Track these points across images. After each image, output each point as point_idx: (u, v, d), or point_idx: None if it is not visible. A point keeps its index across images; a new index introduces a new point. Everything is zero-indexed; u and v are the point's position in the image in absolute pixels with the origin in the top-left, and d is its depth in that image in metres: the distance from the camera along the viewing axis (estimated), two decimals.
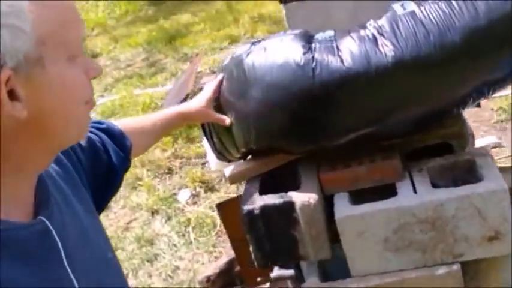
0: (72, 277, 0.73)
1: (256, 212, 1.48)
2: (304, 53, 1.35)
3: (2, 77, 0.62)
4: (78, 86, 0.73)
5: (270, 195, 1.51)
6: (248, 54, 1.48)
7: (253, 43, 1.53)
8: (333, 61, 1.32)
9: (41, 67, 0.66)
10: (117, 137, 1.11)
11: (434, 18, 1.27)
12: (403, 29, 1.28)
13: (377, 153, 1.55)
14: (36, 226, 0.72)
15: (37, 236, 0.71)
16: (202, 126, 1.73)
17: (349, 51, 1.31)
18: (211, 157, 1.82)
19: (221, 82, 1.55)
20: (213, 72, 4.78)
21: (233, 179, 1.63)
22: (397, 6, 1.33)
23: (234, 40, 5.59)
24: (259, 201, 1.50)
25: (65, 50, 0.69)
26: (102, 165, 1.05)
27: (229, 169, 1.66)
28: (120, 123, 1.19)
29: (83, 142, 0.98)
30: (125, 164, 1.12)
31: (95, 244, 0.85)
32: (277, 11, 6.17)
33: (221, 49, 5.46)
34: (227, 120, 1.52)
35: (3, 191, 0.69)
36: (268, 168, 1.61)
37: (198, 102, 1.52)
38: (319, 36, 1.41)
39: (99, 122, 1.12)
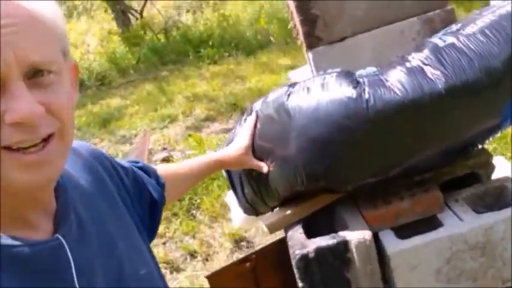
0: None
1: (311, 255, 1.43)
2: (355, 87, 1.38)
3: None
4: None
5: (320, 238, 1.47)
6: (289, 96, 1.48)
7: (290, 86, 1.54)
8: (385, 92, 1.35)
9: None
10: (152, 175, 1.09)
11: (473, 47, 1.36)
12: (447, 58, 1.36)
13: (414, 187, 1.57)
14: (50, 243, 0.71)
15: (48, 253, 0.70)
16: (230, 179, 1.67)
17: (399, 82, 1.36)
18: (237, 213, 1.75)
19: (255, 126, 1.53)
20: (165, 149, 4.71)
21: (273, 228, 1.58)
22: (436, 40, 1.41)
23: (173, 119, 5.58)
24: (312, 244, 1.45)
25: None
26: (146, 199, 1.03)
27: (265, 219, 1.60)
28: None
29: (126, 164, 0.99)
30: (163, 200, 1.08)
31: (125, 259, 0.83)
32: (211, 89, 6.31)
33: (161, 128, 5.41)
34: (265, 167, 1.50)
35: (13, 205, 0.69)
36: (309, 213, 1.58)
37: (235, 148, 1.50)
38: (362, 72, 1.45)
39: (135, 161, 1.10)
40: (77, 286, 0.72)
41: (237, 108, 5.53)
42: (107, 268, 0.79)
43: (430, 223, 1.53)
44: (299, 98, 1.46)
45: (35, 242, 0.70)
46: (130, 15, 9.49)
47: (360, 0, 1.58)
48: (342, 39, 1.62)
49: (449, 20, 1.61)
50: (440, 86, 1.33)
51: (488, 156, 1.63)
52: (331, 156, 1.41)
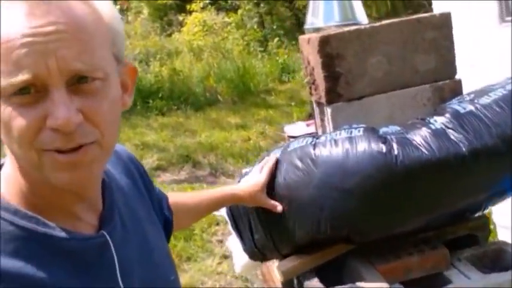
0: None
1: None
2: (384, 143, 1.46)
3: None
4: (12, 128, 0.66)
5: (340, 287, 1.49)
6: (315, 146, 1.53)
7: (313, 137, 1.59)
8: (413, 150, 1.44)
9: None
10: (165, 202, 1.09)
11: (490, 116, 1.49)
12: (468, 124, 1.47)
13: (421, 244, 1.64)
14: (97, 239, 0.74)
15: (95, 249, 0.73)
16: (235, 223, 1.67)
17: (425, 142, 1.45)
18: (240, 258, 1.73)
19: (275, 166, 1.54)
20: None
21: (287, 274, 1.57)
22: (456, 107, 1.53)
23: None
24: None
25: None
26: (163, 212, 1.04)
27: (281, 265, 1.60)
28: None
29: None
30: (171, 230, 1.08)
31: (159, 264, 0.86)
32: (161, 140, 6.27)
33: None
34: (279, 207, 1.50)
35: (56, 201, 0.72)
36: (322, 262, 1.59)
37: (251, 184, 1.49)
38: (386, 130, 1.53)
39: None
40: (121, 286, 0.74)
41: (189, 160, 5.52)
42: (144, 274, 0.80)
43: (438, 280, 1.59)
44: (326, 149, 1.51)
45: (84, 237, 0.73)
46: None
47: (380, 63, 1.69)
48: (360, 97, 1.70)
49: (456, 90, 1.75)
50: (464, 149, 1.43)
51: (485, 219, 1.74)
52: (356, 207, 1.46)
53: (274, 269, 1.78)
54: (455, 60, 1.75)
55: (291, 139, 2.39)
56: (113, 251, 0.74)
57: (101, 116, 0.68)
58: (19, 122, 0.65)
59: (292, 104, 7.66)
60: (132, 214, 0.85)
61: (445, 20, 1.72)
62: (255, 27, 12.05)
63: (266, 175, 1.51)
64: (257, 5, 12.28)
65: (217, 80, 8.75)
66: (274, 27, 12.23)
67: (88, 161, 0.69)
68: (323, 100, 1.72)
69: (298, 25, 13.46)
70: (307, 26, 1.98)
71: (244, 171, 1.75)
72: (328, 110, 1.71)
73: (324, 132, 1.85)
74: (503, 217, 2.95)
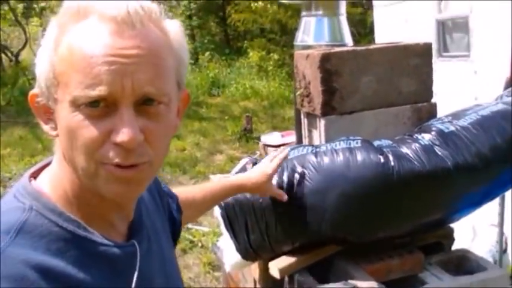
0: None
1: None
2: (381, 154, 1.61)
3: (31, 93, 0.76)
4: (78, 138, 0.69)
5: (333, 284, 1.62)
6: (316, 155, 1.66)
7: (312, 146, 1.72)
8: (407, 162, 1.61)
9: (54, 100, 0.71)
10: (174, 200, 1.12)
11: (468, 136, 1.69)
12: (451, 142, 1.67)
13: (399, 248, 1.81)
14: (129, 248, 0.78)
15: (128, 257, 0.77)
16: (230, 223, 1.75)
17: (416, 156, 1.63)
18: (231, 258, 1.81)
19: (284, 159, 1.58)
20: None
21: (283, 272, 1.68)
22: (440, 126, 1.73)
23: None
24: None
25: (67, 92, 0.69)
26: (172, 216, 1.07)
27: (276, 263, 1.70)
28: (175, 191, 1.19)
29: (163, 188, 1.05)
30: (179, 227, 1.13)
31: (171, 275, 0.90)
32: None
33: None
34: (285, 195, 1.56)
35: (97, 208, 0.76)
36: (314, 261, 1.72)
37: (258, 174, 1.50)
38: (380, 143, 1.70)
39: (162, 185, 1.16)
40: None
41: None
42: (162, 284, 0.84)
43: (414, 281, 1.77)
44: (327, 158, 1.64)
45: (120, 245, 0.77)
46: (4, 56, 8.90)
47: (371, 82, 1.86)
48: (351, 112, 1.86)
49: (432, 111, 1.95)
50: (449, 163, 1.62)
51: (451, 229, 1.95)
52: (355, 212, 1.60)
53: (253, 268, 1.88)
54: (432, 85, 1.96)
55: (271, 148, 2.51)
56: (137, 261, 0.77)
57: (158, 138, 0.72)
58: (86, 133, 0.68)
59: (226, 117, 7.78)
60: (152, 225, 0.88)
61: (427, 49, 1.93)
62: (186, 39, 12.08)
63: (276, 165, 1.52)
64: (189, 17, 12.35)
65: None
66: (205, 41, 12.35)
67: (141, 178, 0.73)
68: (317, 112, 1.86)
69: (227, 41, 13.69)
70: (297, 43, 2.12)
71: (233, 171, 1.83)
72: (322, 122, 1.84)
73: (310, 142, 1.99)
74: None
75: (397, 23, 4.56)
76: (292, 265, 1.69)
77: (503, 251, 3.58)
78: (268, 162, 1.55)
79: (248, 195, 1.66)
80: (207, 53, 11.44)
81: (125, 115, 0.68)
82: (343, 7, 2.11)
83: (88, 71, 0.67)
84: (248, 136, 6.58)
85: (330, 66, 1.80)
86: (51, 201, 0.72)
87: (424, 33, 4.19)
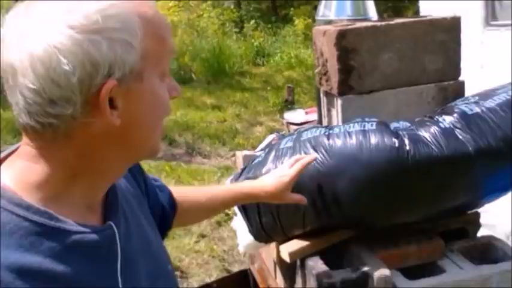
0: (120, 286, 0.75)
1: (338, 285, 1.52)
2: (396, 138, 1.53)
3: (108, 85, 0.66)
4: (163, 103, 0.75)
5: (343, 270, 1.57)
6: (329, 137, 1.59)
7: (325, 127, 1.65)
8: (424, 146, 1.52)
9: (140, 81, 0.70)
10: (166, 196, 1.10)
11: (495, 119, 1.58)
12: (475, 125, 1.57)
13: (418, 235, 1.74)
14: (106, 231, 0.75)
15: (106, 241, 0.74)
16: (243, 207, 1.72)
17: (435, 139, 1.54)
18: (244, 239, 1.79)
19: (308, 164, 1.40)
20: None
21: (294, 255, 1.65)
22: (464, 107, 1.62)
23: None
24: (337, 275, 1.54)
25: (159, 67, 0.73)
26: (159, 206, 1.05)
27: (287, 247, 1.67)
28: (175, 190, 1.15)
29: (145, 177, 1.02)
30: (168, 223, 1.10)
31: (158, 257, 0.88)
32: None
33: None
34: (305, 200, 1.40)
35: (84, 194, 0.73)
36: (326, 246, 1.67)
37: (273, 184, 1.34)
38: (397, 125, 1.61)
39: (154, 179, 1.10)
40: (119, 278, 0.74)
41: (165, 137, 5.50)
42: (148, 267, 0.82)
43: (432, 268, 1.70)
44: (340, 140, 1.58)
45: (95, 229, 0.73)
46: None
47: (392, 60, 1.76)
48: (370, 91, 1.78)
49: (459, 90, 1.84)
50: (470, 148, 1.52)
51: (476, 215, 1.85)
52: (367, 197, 1.54)
53: (273, 249, 1.85)
54: (460, 62, 1.84)
55: (293, 126, 2.46)
56: (118, 243, 0.75)
57: None
58: (167, 97, 0.76)
59: (268, 88, 7.70)
60: (129, 207, 0.86)
61: (455, 23, 1.81)
62: (232, 7, 11.99)
63: (296, 173, 1.34)
64: None
65: (191, 58, 8.69)
66: (251, 8, 12.20)
67: None
68: (334, 91, 1.78)
69: (274, 9, 13.48)
70: (318, 17, 2.03)
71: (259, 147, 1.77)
72: (338, 101, 1.77)
73: (330, 121, 1.92)
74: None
75: None
76: (303, 249, 1.65)
77: None
78: (287, 167, 1.37)
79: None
80: (252, 21, 11.29)
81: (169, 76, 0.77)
82: None
83: (169, 46, 0.75)
84: (290, 107, 6.49)
85: (347, 43, 1.72)
86: (16, 195, 0.68)
87: (471, 1, 3.96)
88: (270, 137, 2.44)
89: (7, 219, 0.66)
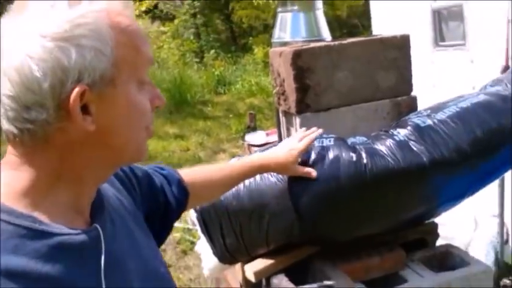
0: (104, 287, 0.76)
1: None
2: (354, 152, 1.58)
3: (78, 90, 0.69)
4: (141, 110, 0.78)
5: (308, 285, 1.58)
6: None
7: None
8: (380, 159, 1.57)
9: (113, 87, 0.73)
10: (175, 184, 1.13)
11: (446, 130, 1.64)
12: (428, 137, 1.62)
13: (379, 246, 1.77)
14: (92, 233, 0.76)
15: (91, 242, 0.75)
16: (206, 227, 1.72)
17: (391, 152, 1.59)
18: (209, 262, 1.79)
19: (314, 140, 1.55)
20: None
21: (259, 275, 1.65)
22: (416, 120, 1.68)
23: None
24: None
25: (135, 74, 0.76)
26: (160, 204, 1.08)
27: (252, 267, 1.67)
28: (185, 172, 1.20)
29: (140, 173, 1.04)
30: (181, 209, 1.14)
31: (149, 259, 0.89)
32: None
33: None
34: (314, 172, 1.51)
35: (67, 199, 0.75)
36: (291, 263, 1.68)
37: (283, 155, 1.46)
38: (354, 140, 1.66)
39: (161, 168, 1.15)
40: (103, 279, 0.74)
41: None
42: (138, 268, 0.83)
43: (395, 279, 1.73)
44: (300, 158, 1.60)
45: (79, 232, 0.74)
46: None
47: (347, 78, 1.82)
48: (327, 109, 1.82)
49: (412, 105, 1.91)
50: (425, 159, 1.58)
51: (434, 225, 1.90)
52: (327, 211, 1.57)
53: (238, 270, 1.85)
54: (411, 78, 1.91)
55: (254, 148, 2.48)
56: (103, 245, 0.76)
57: None
58: (147, 105, 0.79)
59: (230, 116, 7.75)
60: (118, 214, 0.88)
61: (405, 41, 1.88)
62: (191, 38, 12.10)
63: (304, 146, 1.48)
64: (193, 16, 12.34)
65: None
66: (210, 39, 12.32)
67: None
68: (292, 110, 1.82)
69: (233, 38, 13.65)
70: (274, 40, 2.08)
71: None
72: (297, 120, 1.81)
73: None
74: None
75: (394, 13, 4.49)
76: (268, 268, 1.66)
77: (504, 242, 3.51)
78: (296, 141, 1.50)
79: (223, 197, 1.64)
80: (212, 51, 11.41)
81: (152, 83, 0.81)
82: (319, 2, 2.07)
83: (145, 55, 0.78)
84: (248, 133, 6.53)
85: (302, 63, 1.76)
86: None
87: (420, 23, 4.12)
88: (233, 161, 2.44)
89: None
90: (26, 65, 0.67)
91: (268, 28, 11.69)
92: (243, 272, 1.81)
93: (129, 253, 0.83)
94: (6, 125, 0.71)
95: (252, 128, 6.91)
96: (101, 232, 0.77)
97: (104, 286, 0.74)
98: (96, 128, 0.72)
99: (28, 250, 0.68)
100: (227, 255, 1.73)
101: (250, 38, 11.93)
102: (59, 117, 0.70)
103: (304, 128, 1.60)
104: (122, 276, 0.79)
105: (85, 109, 0.71)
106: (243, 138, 6.75)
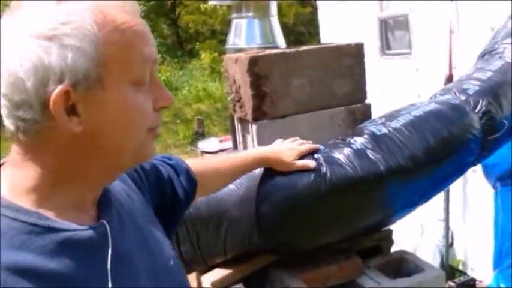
0: (110, 285, 0.75)
1: None
2: (313, 160, 1.57)
3: (58, 91, 0.68)
4: (139, 112, 0.75)
5: None
6: None
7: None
8: (339, 168, 1.56)
9: (101, 87, 0.70)
10: (183, 174, 1.13)
11: (401, 138, 1.67)
12: (384, 145, 1.63)
13: (336, 254, 1.77)
14: (98, 228, 0.76)
15: (98, 238, 0.76)
16: None
17: (349, 161, 1.58)
18: None
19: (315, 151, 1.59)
20: None
21: (216, 285, 1.61)
22: (372, 129, 1.69)
23: None
24: None
25: (129, 73, 0.73)
26: (168, 196, 1.08)
27: (208, 277, 1.63)
28: (192, 162, 1.20)
29: (147, 166, 1.03)
30: (189, 200, 1.15)
31: (157, 253, 0.89)
32: None
33: None
34: (312, 162, 1.53)
35: (72, 196, 0.75)
36: (249, 272, 1.66)
37: (286, 154, 1.51)
38: None
39: (168, 158, 1.15)
40: (109, 274, 0.74)
41: None
42: (147, 264, 0.83)
43: (352, 287, 1.73)
44: None
45: (86, 227, 0.74)
46: None
47: (303, 85, 1.81)
48: (283, 116, 1.81)
49: (366, 112, 1.93)
50: (382, 168, 1.59)
51: (389, 232, 1.92)
52: (286, 220, 1.55)
53: (193, 280, 1.81)
54: (365, 86, 1.93)
55: (208, 155, 2.44)
56: (109, 241, 0.76)
57: None
58: (148, 106, 0.76)
59: (178, 121, 7.66)
60: (122, 204, 0.87)
61: (359, 49, 1.90)
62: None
63: (306, 149, 1.54)
64: None
65: None
66: (156, 43, 12.13)
67: None
68: (249, 117, 1.80)
69: (180, 43, 13.53)
70: (228, 46, 2.06)
71: None
72: (253, 127, 1.79)
73: (245, 148, 1.93)
74: None
75: (341, 22, 4.57)
76: (225, 278, 1.63)
77: (449, 246, 3.63)
78: (295, 144, 1.56)
79: None
80: (159, 56, 11.25)
81: (159, 83, 0.78)
82: (274, 8, 2.06)
83: (141, 54, 0.74)
84: (201, 139, 6.48)
85: (259, 69, 1.75)
86: (5, 199, 0.70)
87: (367, 32, 4.22)
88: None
89: None
90: (14, 64, 0.68)
91: (215, 33, 11.68)
92: (199, 282, 1.76)
93: (137, 249, 0.83)
94: (5, 122, 0.71)
95: (200, 134, 6.87)
96: (108, 228, 0.77)
97: (109, 282, 0.74)
98: (85, 129, 0.71)
99: (35, 246, 0.68)
100: (182, 264, 1.67)
101: (197, 43, 11.86)
102: (46, 116, 0.69)
103: (301, 141, 1.60)
104: (128, 273, 0.79)
105: (73, 109, 0.70)
106: (191, 144, 6.71)
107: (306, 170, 1.53)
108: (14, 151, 0.73)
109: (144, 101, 0.75)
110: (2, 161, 0.76)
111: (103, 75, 0.70)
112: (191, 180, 1.14)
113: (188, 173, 1.14)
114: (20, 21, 0.69)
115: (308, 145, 1.57)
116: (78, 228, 0.73)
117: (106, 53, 0.70)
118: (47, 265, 0.67)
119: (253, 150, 1.49)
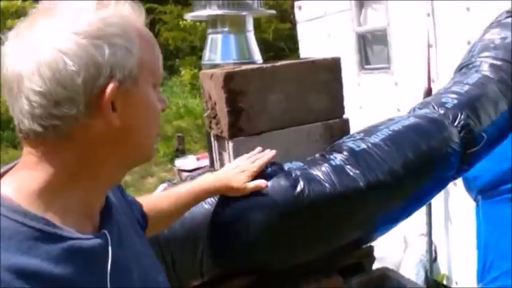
0: None
1: None
2: (288, 178, 1.53)
3: (113, 86, 0.74)
4: (155, 110, 0.84)
5: None
6: None
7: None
8: (317, 184, 1.52)
9: (136, 86, 0.78)
10: (137, 210, 1.13)
11: (380, 153, 1.64)
12: (363, 161, 1.60)
13: (317, 273, 1.73)
14: (100, 238, 0.79)
15: (100, 247, 0.78)
16: None
17: (327, 177, 1.55)
18: None
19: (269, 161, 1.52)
20: None
21: None
22: (351, 144, 1.66)
23: None
24: None
25: (152, 77, 0.82)
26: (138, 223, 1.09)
27: None
28: (142, 201, 1.20)
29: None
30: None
31: (147, 267, 0.92)
32: None
33: None
34: (264, 182, 1.45)
35: (82, 200, 0.78)
36: None
37: (236, 178, 1.44)
38: (290, 165, 1.61)
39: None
40: (108, 283, 0.77)
41: None
42: (140, 276, 0.86)
43: None
44: None
45: (90, 236, 0.77)
46: None
47: (279, 101, 1.78)
48: (260, 132, 1.77)
49: (344, 128, 1.90)
50: (361, 184, 1.55)
51: (370, 249, 1.88)
52: (263, 239, 1.50)
53: None
54: (343, 100, 1.91)
55: (185, 173, 2.38)
56: (109, 250, 0.78)
57: None
58: (158, 105, 0.85)
59: (158, 138, 7.59)
60: (120, 220, 0.90)
61: (336, 63, 1.87)
62: None
63: (258, 169, 1.47)
64: None
65: None
66: None
67: None
68: (225, 134, 1.76)
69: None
70: (204, 62, 2.02)
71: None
72: (230, 144, 1.74)
73: (222, 165, 1.88)
74: None
75: (320, 37, 4.58)
76: None
77: (433, 260, 3.60)
78: (248, 162, 1.50)
79: None
80: None
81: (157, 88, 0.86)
82: (250, 23, 2.03)
83: (159, 62, 0.85)
84: (180, 157, 6.41)
85: (234, 85, 1.71)
86: (14, 203, 0.72)
87: (346, 47, 4.22)
88: (162, 186, 2.35)
89: (6, 225, 0.70)
90: (60, 61, 0.70)
91: (195, 50, 11.66)
92: None
93: (133, 261, 0.86)
94: (28, 124, 0.73)
95: (181, 151, 6.81)
96: (109, 238, 0.80)
97: None
98: (120, 124, 0.76)
99: (41, 252, 0.70)
100: None
101: (177, 60, 11.83)
102: (88, 113, 0.73)
103: (259, 148, 1.58)
104: (126, 283, 0.82)
105: (112, 105, 0.75)
106: (171, 161, 6.64)
107: (284, 187, 1.50)
108: (28, 153, 0.76)
109: (157, 101, 0.84)
110: (12, 164, 0.79)
111: (138, 74, 0.78)
112: (144, 217, 1.14)
113: (141, 209, 1.15)
114: (61, 21, 0.73)
115: (261, 160, 1.50)
116: (82, 237, 0.75)
117: (141, 55, 0.78)
118: (52, 271, 0.70)
119: (200, 181, 1.41)
